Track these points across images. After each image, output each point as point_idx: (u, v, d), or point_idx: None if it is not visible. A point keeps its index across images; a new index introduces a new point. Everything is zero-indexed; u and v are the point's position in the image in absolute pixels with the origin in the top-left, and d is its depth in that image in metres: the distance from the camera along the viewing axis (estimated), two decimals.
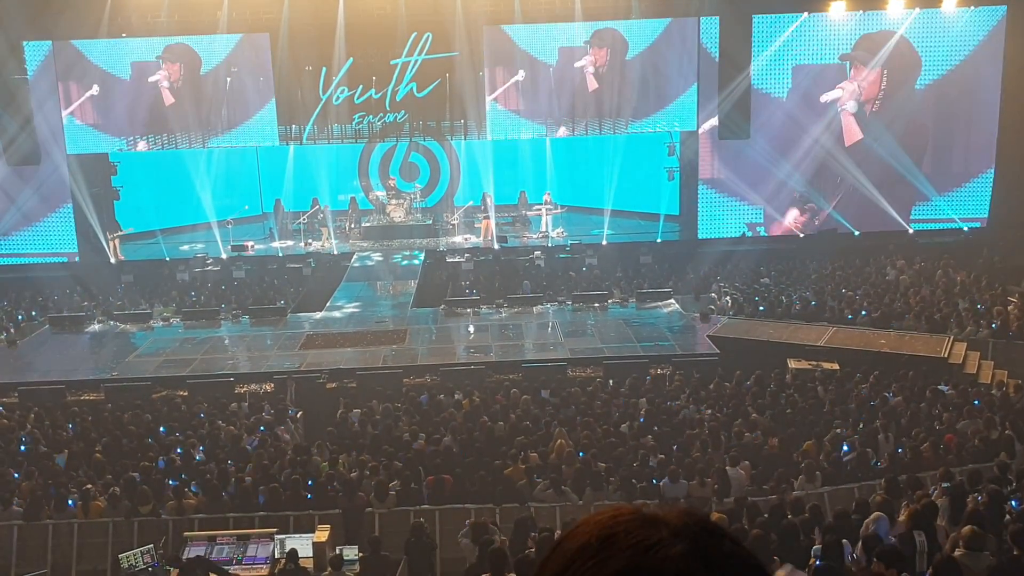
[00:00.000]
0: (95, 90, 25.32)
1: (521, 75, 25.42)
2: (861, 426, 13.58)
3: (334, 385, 17.35)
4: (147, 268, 25.67)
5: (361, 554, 10.52)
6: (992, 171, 25.54)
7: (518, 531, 10.25)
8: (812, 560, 7.86)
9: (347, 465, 13.15)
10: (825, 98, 25.22)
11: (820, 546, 8.38)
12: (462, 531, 10.53)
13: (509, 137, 26.72)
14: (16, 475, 13.23)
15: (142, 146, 25.96)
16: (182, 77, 25.42)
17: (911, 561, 7.89)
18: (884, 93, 25.24)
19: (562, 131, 26.19)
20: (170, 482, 12.67)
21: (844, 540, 8.33)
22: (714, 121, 25.22)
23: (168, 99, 25.45)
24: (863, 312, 19.49)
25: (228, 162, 28.32)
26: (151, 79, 25.27)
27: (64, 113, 25.30)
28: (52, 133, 25.16)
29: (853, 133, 25.43)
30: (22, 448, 14.37)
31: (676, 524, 0.99)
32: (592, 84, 25.42)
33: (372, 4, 24.96)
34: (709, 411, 14.64)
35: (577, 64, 25.34)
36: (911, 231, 25.57)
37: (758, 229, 25.93)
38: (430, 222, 28.32)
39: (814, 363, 17.07)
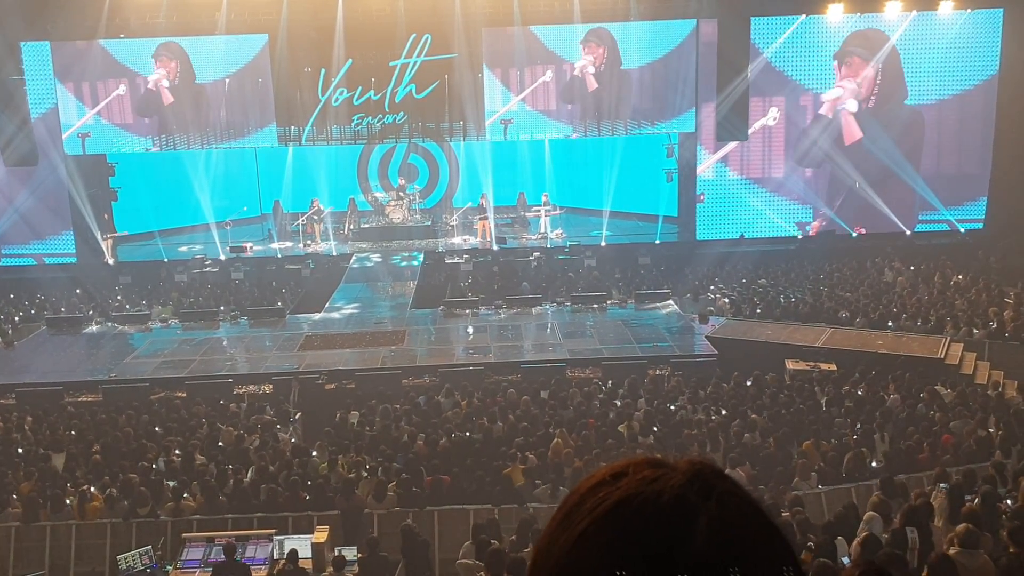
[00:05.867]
0: (94, 91, 25.29)
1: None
2: (859, 426, 13.60)
3: (333, 386, 17.36)
4: (145, 269, 25.64)
5: (360, 555, 10.53)
6: (989, 174, 25.57)
7: (522, 532, 10.25)
8: (806, 556, 7.85)
9: (346, 466, 13.16)
10: (826, 97, 25.23)
11: (811, 544, 8.38)
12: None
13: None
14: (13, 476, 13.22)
15: (141, 147, 25.95)
16: (179, 75, 25.39)
17: (902, 558, 7.88)
18: (879, 90, 25.25)
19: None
20: (169, 483, 12.66)
21: (840, 537, 8.34)
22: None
23: (167, 98, 25.41)
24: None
25: (227, 163, 28.27)
26: (151, 78, 25.26)
27: (61, 114, 25.25)
28: (49, 134, 25.14)
29: (853, 132, 25.44)
30: (19, 449, 14.37)
31: (683, 465, 1.09)
32: (591, 84, 25.41)
33: (371, 5, 24.95)
34: (714, 416, 14.62)
35: (577, 64, 25.33)
36: (908, 233, 25.60)
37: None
38: (429, 223, 28.33)
39: (812, 364, 17.11)
